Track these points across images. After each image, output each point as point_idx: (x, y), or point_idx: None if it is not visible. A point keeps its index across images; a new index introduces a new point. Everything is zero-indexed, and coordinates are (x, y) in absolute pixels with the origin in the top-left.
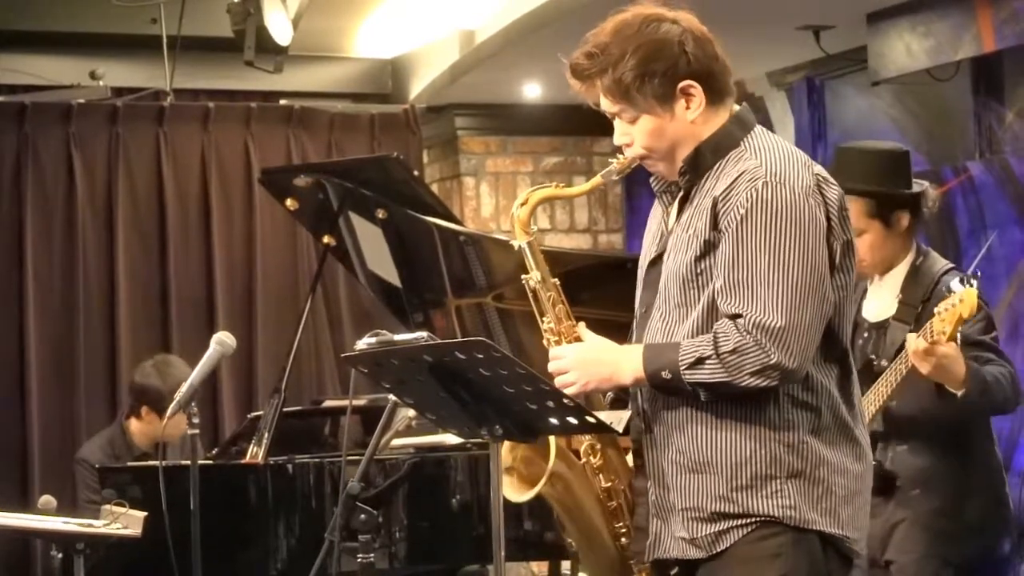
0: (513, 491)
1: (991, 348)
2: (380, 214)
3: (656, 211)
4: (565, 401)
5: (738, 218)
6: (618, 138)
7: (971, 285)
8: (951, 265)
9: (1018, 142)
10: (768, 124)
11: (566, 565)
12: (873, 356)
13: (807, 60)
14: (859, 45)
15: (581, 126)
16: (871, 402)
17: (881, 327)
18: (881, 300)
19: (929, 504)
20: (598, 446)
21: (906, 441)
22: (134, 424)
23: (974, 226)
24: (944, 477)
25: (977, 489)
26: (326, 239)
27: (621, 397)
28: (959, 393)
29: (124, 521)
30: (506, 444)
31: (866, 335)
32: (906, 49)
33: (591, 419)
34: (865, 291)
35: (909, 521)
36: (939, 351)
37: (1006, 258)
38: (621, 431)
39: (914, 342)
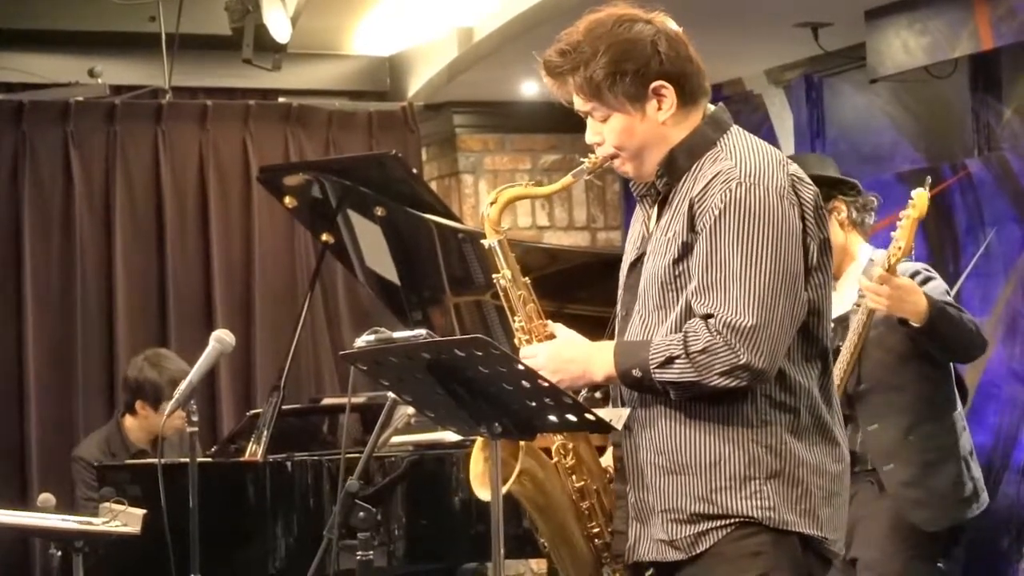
0: (481, 488)
1: (953, 305)
2: (378, 212)
3: (638, 214)
4: (564, 398)
5: (712, 219)
6: (590, 136)
7: (925, 188)
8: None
9: (1016, 139)
10: (767, 121)
11: None
12: (840, 343)
13: (805, 57)
14: (857, 42)
15: (579, 124)
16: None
17: (843, 320)
18: (841, 298)
19: (901, 476)
20: (570, 446)
21: (875, 420)
22: (129, 420)
23: (972, 223)
24: (913, 449)
25: (946, 459)
26: (324, 237)
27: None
28: (922, 324)
29: (123, 519)
30: (478, 444)
31: (831, 333)
32: (904, 46)
33: (590, 416)
34: None
35: (872, 515)
36: (895, 281)
37: (1004, 255)
38: (620, 428)
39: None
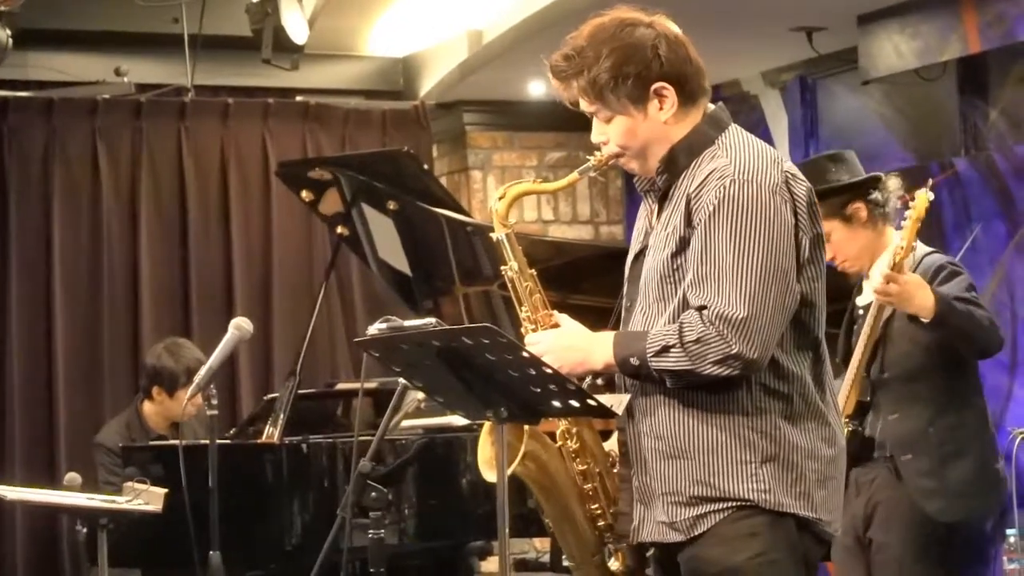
0: (489, 471)
1: (973, 302)
2: (391, 205)
3: (643, 209)
4: (567, 385)
5: (707, 214)
6: (595, 136)
7: (925, 190)
8: (933, 249)
9: (1002, 139)
10: (762, 121)
11: None
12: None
13: (800, 60)
14: (850, 46)
15: (584, 122)
16: (851, 367)
17: (871, 307)
18: (872, 285)
19: (919, 467)
20: (574, 430)
21: (896, 410)
22: (148, 406)
23: (959, 220)
24: (933, 441)
25: (964, 452)
26: (340, 229)
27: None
28: (930, 319)
29: (145, 497)
30: (486, 429)
31: (860, 320)
32: (895, 50)
33: (592, 402)
34: (860, 286)
35: (889, 500)
36: (902, 278)
37: (989, 250)
38: (621, 414)
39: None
